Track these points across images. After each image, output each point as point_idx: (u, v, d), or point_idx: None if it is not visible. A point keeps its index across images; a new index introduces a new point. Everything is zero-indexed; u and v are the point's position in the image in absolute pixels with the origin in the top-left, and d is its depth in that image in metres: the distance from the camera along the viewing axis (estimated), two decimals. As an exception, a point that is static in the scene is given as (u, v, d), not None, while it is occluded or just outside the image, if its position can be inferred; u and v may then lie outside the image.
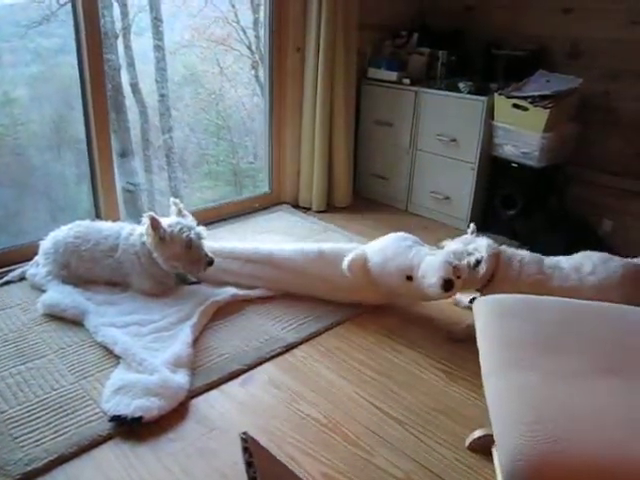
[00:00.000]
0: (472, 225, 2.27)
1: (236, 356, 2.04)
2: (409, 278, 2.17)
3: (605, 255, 2.09)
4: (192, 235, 2.27)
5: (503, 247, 2.17)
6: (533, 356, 1.27)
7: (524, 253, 2.16)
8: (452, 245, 2.21)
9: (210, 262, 2.32)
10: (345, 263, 2.28)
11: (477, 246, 2.13)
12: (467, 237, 2.23)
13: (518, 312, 1.45)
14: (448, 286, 2.04)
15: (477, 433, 1.67)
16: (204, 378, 1.91)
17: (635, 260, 2.08)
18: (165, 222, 2.26)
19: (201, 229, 2.34)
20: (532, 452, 1.01)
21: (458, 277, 2.05)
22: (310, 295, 2.43)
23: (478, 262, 2.07)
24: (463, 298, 2.46)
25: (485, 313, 1.46)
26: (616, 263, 2.05)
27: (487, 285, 2.12)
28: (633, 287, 2.01)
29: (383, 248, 2.28)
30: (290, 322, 2.27)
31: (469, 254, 2.11)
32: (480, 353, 1.35)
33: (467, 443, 1.68)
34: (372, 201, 3.70)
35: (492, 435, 1.56)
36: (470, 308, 2.37)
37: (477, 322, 1.45)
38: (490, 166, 3.17)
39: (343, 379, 1.97)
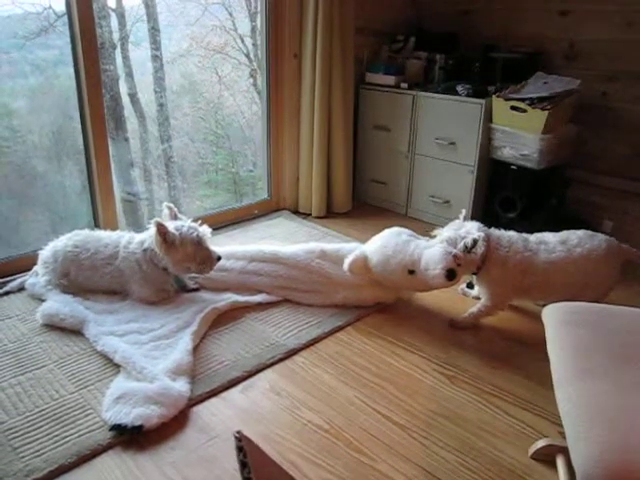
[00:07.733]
0: (463, 211, 2.34)
1: (236, 363, 2.03)
2: (411, 272, 2.24)
3: (589, 232, 2.21)
4: (200, 233, 2.30)
5: (491, 229, 2.25)
6: (605, 365, 1.26)
7: (510, 233, 2.25)
8: (445, 232, 2.27)
9: (219, 257, 2.35)
10: (346, 265, 2.37)
11: (468, 230, 2.21)
12: (457, 222, 2.29)
13: (588, 320, 1.44)
14: (452, 275, 2.12)
15: (540, 443, 1.65)
16: (205, 386, 1.90)
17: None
18: (171, 226, 2.27)
19: (205, 227, 2.36)
20: (607, 461, 1.01)
21: (459, 265, 2.14)
22: (313, 291, 2.46)
23: (475, 242, 2.14)
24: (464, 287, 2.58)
25: (555, 321, 1.46)
26: (600, 238, 2.17)
27: (482, 266, 2.19)
28: (615, 261, 2.16)
29: (382, 246, 2.33)
30: (290, 328, 2.26)
31: (463, 238, 2.17)
32: (551, 361, 1.35)
33: (530, 452, 1.66)
34: (372, 206, 3.70)
35: (556, 445, 1.58)
36: (478, 298, 2.39)
37: (547, 330, 1.46)
38: (489, 169, 3.17)
39: (344, 384, 1.96)
